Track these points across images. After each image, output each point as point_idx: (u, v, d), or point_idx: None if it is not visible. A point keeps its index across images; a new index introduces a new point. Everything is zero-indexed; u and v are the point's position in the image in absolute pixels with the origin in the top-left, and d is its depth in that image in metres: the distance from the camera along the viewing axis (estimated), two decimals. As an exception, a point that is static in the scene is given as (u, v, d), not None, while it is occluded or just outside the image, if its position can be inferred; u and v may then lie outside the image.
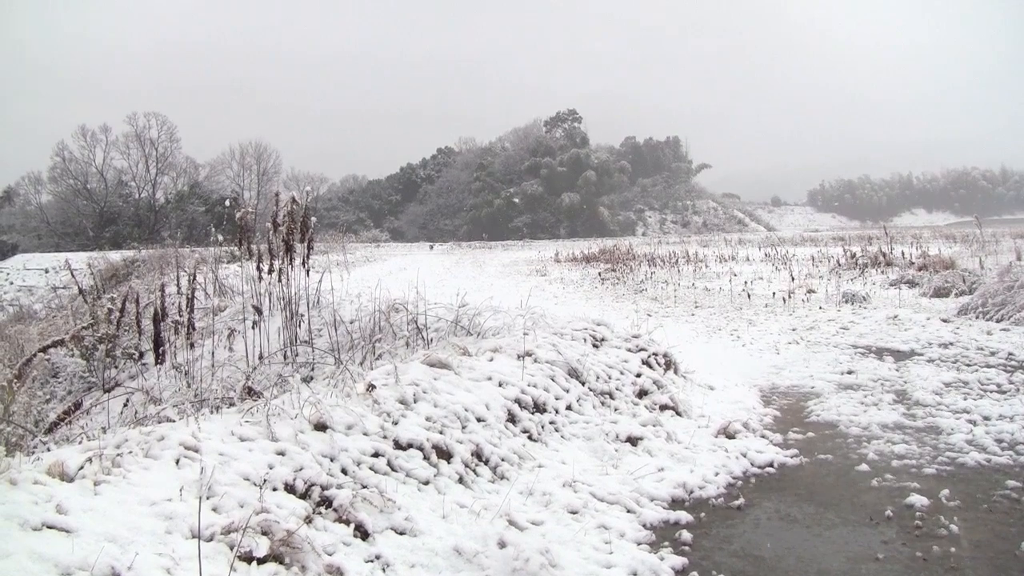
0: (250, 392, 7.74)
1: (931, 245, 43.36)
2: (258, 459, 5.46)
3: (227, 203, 18.05)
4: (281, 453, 5.63)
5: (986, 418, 9.07)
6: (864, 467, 7.62)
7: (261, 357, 10.72)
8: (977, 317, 16.96)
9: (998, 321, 16.24)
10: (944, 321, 16.42)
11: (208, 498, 4.85)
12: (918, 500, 6.62)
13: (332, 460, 5.83)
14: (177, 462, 5.21)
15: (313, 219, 11.45)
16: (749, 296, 23.06)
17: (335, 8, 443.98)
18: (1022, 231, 56.89)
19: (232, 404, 7.47)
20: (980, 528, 6.12)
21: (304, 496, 5.33)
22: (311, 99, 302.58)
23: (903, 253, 34.03)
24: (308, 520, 5.01)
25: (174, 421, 6.35)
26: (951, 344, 13.78)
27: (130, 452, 5.23)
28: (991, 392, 10.34)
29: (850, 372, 11.97)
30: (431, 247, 76.94)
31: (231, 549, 4.37)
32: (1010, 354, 12.58)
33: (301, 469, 5.49)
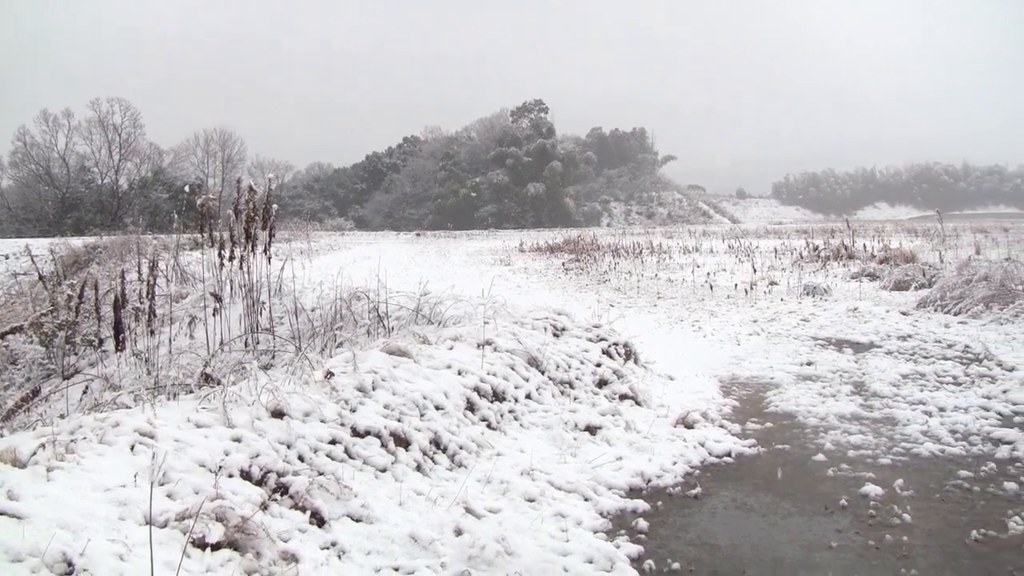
0: (207, 379, 7.71)
1: (893, 239, 43.66)
2: (214, 445, 5.43)
3: (186, 189, 17.88)
4: (237, 440, 5.61)
5: (941, 409, 9.19)
6: (821, 457, 7.69)
7: (222, 344, 10.67)
8: (936, 310, 17.12)
9: (956, 314, 16.41)
10: (903, 314, 16.57)
11: (163, 484, 4.83)
12: (873, 490, 6.70)
13: (289, 447, 5.81)
14: (132, 448, 5.17)
15: (275, 206, 11.39)
16: (711, 288, 23.20)
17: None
18: (982, 226, 57.47)
19: (190, 391, 7.43)
20: (932, 517, 6.20)
21: (260, 483, 5.32)
22: (279, 87, 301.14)
23: (865, 246, 34.33)
24: (264, 507, 5.00)
25: (130, 407, 6.31)
26: (910, 336, 13.90)
27: (84, 438, 5.19)
28: (947, 384, 10.47)
29: (809, 363, 12.06)
30: (417, 235, 76.72)
31: (185, 535, 4.36)
32: (966, 347, 12.71)
33: (257, 456, 5.48)
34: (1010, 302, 16.06)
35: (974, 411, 9.05)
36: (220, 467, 5.21)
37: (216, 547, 4.39)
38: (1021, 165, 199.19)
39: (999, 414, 8.95)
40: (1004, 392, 9.78)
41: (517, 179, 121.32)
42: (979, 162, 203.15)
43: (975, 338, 13.34)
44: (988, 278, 17.18)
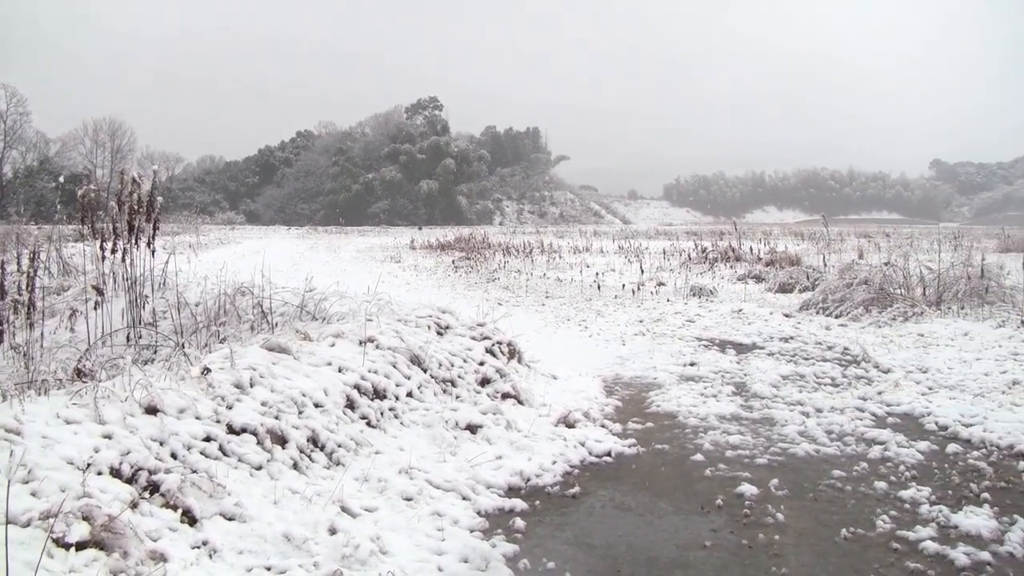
0: (80, 374, 7.54)
1: (780, 242, 44.58)
2: (83, 442, 5.31)
3: (60, 179, 17.49)
4: (108, 436, 5.49)
5: (818, 410, 9.39)
6: (699, 457, 7.79)
7: (102, 339, 10.45)
8: (818, 312, 17.51)
9: (837, 317, 16.81)
10: (786, 316, 16.93)
11: (27, 482, 4.70)
12: (748, 489, 6.80)
13: (162, 444, 5.71)
14: (-5, 445, 5.06)
15: (160, 199, 11.19)
16: (599, 288, 23.36)
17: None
18: (866, 231, 58.96)
19: (63, 387, 7.26)
20: (805, 516, 6.33)
21: (130, 481, 5.22)
22: (172, 77, 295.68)
23: (752, 249, 34.88)
24: (133, 505, 4.91)
25: (-3, 403, 6.15)
26: (791, 338, 14.19)
27: (-55, 434, 5.06)
28: (825, 385, 10.71)
29: (692, 364, 12.21)
30: (309, 230, 75.80)
31: (47, 534, 4.27)
32: (846, 348, 13.01)
33: (128, 453, 5.37)
34: (888, 305, 16.50)
35: (850, 412, 9.25)
36: (89, 464, 5.10)
37: (81, 546, 4.30)
38: (903, 173, 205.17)
39: (873, 415, 9.17)
40: (879, 393, 10.04)
41: (410, 176, 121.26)
42: (864, 168, 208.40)
43: (854, 340, 13.66)
44: (868, 282, 17.62)
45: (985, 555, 5.57)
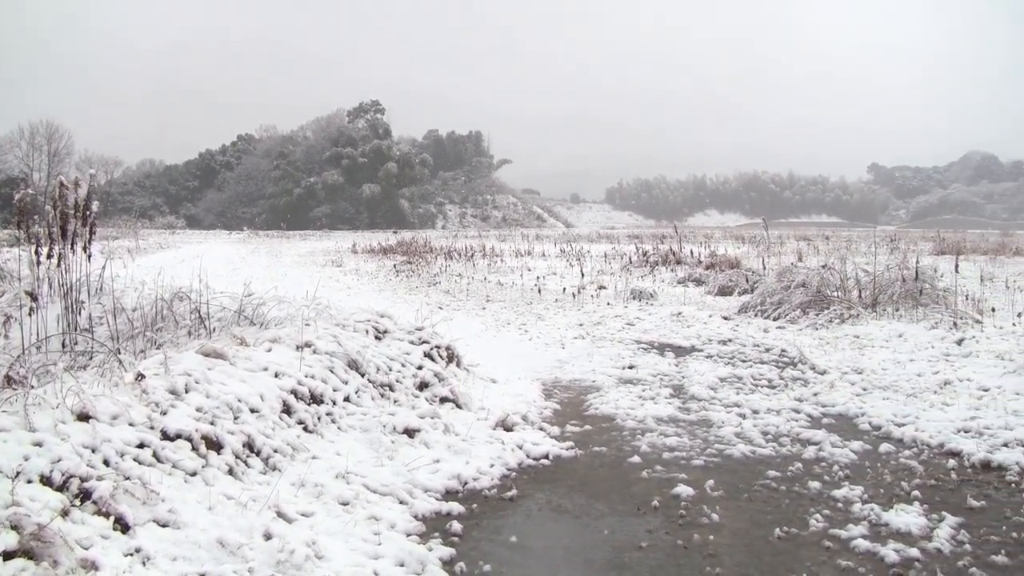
0: (11, 381, 7.44)
1: (720, 245, 44.92)
2: (13, 450, 5.24)
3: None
4: (39, 444, 5.43)
5: (755, 412, 9.52)
6: (636, 459, 7.87)
7: (36, 345, 10.33)
8: (756, 315, 17.70)
9: (775, 319, 17.00)
10: (725, 318, 17.14)
11: (-46, 491, 4.66)
12: (684, 490, 6.90)
13: (94, 451, 5.65)
14: (-80, 454, 4.99)
15: (96, 203, 11.08)
16: (540, 291, 23.46)
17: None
18: (805, 234, 59.58)
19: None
20: (739, 516, 6.42)
21: (62, 488, 5.16)
22: (112, 79, 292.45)
23: (692, 252, 35.08)
24: (64, 513, 4.86)
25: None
26: (730, 341, 14.34)
27: None
28: (762, 387, 10.84)
29: (631, 367, 12.28)
30: (250, 234, 75.15)
31: (-26, 544, 4.22)
32: (783, 351, 13.17)
33: (59, 460, 5.31)
34: (825, 308, 16.70)
35: (786, 413, 9.40)
36: (18, 473, 5.04)
37: (9, 556, 4.25)
38: (842, 176, 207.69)
39: (809, 416, 9.32)
40: (815, 395, 10.19)
41: (352, 180, 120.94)
42: (804, 172, 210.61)
43: (791, 342, 13.83)
44: (806, 284, 17.82)
45: (914, 552, 5.68)
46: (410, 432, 8.10)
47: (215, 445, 6.49)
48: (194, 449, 6.31)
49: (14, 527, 4.39)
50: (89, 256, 11.08)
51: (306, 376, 8.26)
